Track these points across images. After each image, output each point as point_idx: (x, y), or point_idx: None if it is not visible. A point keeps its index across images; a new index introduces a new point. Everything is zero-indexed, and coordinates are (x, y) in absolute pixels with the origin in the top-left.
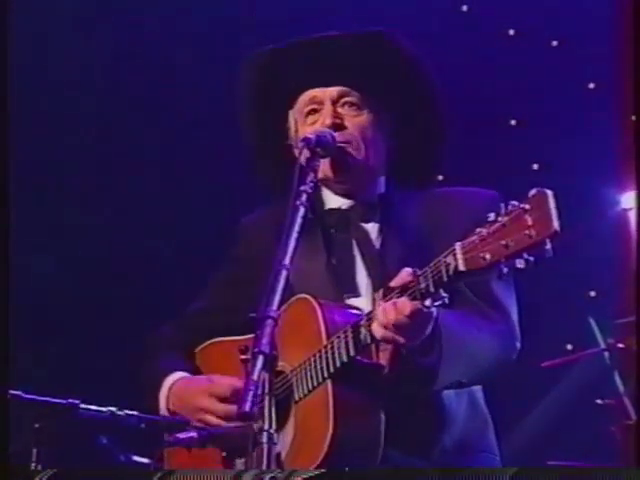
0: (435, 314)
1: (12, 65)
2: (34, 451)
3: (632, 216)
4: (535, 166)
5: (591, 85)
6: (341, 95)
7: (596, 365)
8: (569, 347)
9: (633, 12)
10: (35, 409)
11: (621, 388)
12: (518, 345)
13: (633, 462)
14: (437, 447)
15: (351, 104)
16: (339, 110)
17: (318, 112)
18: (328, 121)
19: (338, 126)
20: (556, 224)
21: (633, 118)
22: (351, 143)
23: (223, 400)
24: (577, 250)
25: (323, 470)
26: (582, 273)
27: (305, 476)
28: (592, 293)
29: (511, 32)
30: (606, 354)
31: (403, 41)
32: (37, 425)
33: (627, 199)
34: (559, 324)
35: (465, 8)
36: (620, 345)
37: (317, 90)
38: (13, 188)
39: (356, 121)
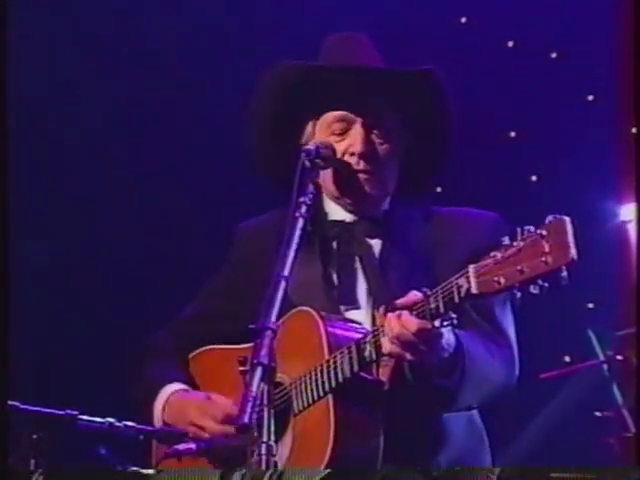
0: (447, 335)
1: (13, 62)
2: (32, 462)
3: (631, 228)
4: (534, 178)
5: (590, 97)
6: (372, 122)
7: (595, 377)
8: (567, 359)
9: (633, 24)
10: (33, 420)
11: (620, 400)
12: (517, 372)
13: None
14: (433, 465)
15: (378, 134)
16: (371, 137)
17: (346, 132)
18: (360, 148)
19: (368, 155)
20: (574, 252)
21: (633, 130)
22: (368, 172)
23: (217, 421)
24: (576, 262)
25: (313, 470)
26: (581, 285)
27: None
28: (591, 305)
29: (510, 44)
30: (605, 366)
31: (437, 84)
32: (35, 436)
33: (626, 211)
34: (558, 336)
35: (464, 20)
36: (619, 357)
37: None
38: (13, 187)
39: (378, 150)
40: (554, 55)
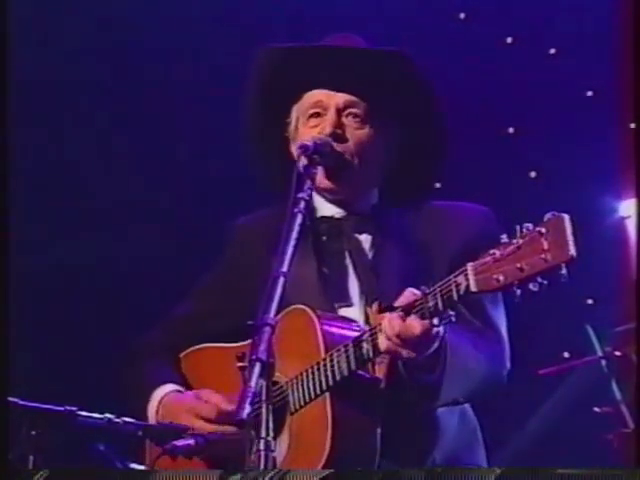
0: (442, 332)
1: (13, 63)
2: (31, 458)
3: (631, 224)
4: (532, 174)
5: (589, 93)
6: (347, 105)
7: (593, 373)
8: (566, 355)
9: (632, 19)
10: (32, 416)
11: (618, 396)
12: (508, 365)
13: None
14: (428, 461)
15: (355, 116)
16: (343, 120)
17: (321, 117)
18: (328, 130)
19: (338, 136)
20: (573, 249)
21: (632, 126)
22: (346, 154)
23: (208, 421)
24: (575, 259)
25: (315, 470)
26: (580, 281)
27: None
28: (589, 301)
29: (509, 40)
30: (603, 362)
31: (418, 63)
32: (34, 432)
33: (626, 207)
34: (556, 332)
35: (462, 16)
36: (617, 353)
37: (323, 94)
38: (13, 187)
39: (357, 134)
40: (553, 51)
